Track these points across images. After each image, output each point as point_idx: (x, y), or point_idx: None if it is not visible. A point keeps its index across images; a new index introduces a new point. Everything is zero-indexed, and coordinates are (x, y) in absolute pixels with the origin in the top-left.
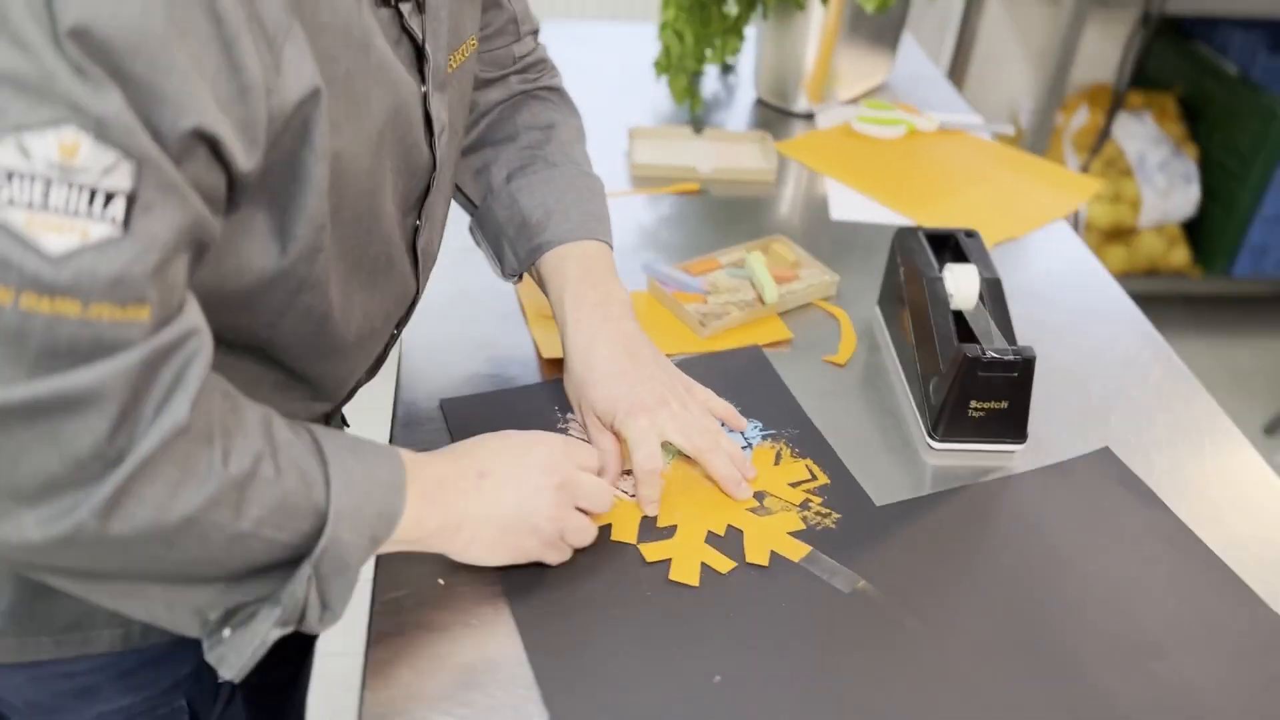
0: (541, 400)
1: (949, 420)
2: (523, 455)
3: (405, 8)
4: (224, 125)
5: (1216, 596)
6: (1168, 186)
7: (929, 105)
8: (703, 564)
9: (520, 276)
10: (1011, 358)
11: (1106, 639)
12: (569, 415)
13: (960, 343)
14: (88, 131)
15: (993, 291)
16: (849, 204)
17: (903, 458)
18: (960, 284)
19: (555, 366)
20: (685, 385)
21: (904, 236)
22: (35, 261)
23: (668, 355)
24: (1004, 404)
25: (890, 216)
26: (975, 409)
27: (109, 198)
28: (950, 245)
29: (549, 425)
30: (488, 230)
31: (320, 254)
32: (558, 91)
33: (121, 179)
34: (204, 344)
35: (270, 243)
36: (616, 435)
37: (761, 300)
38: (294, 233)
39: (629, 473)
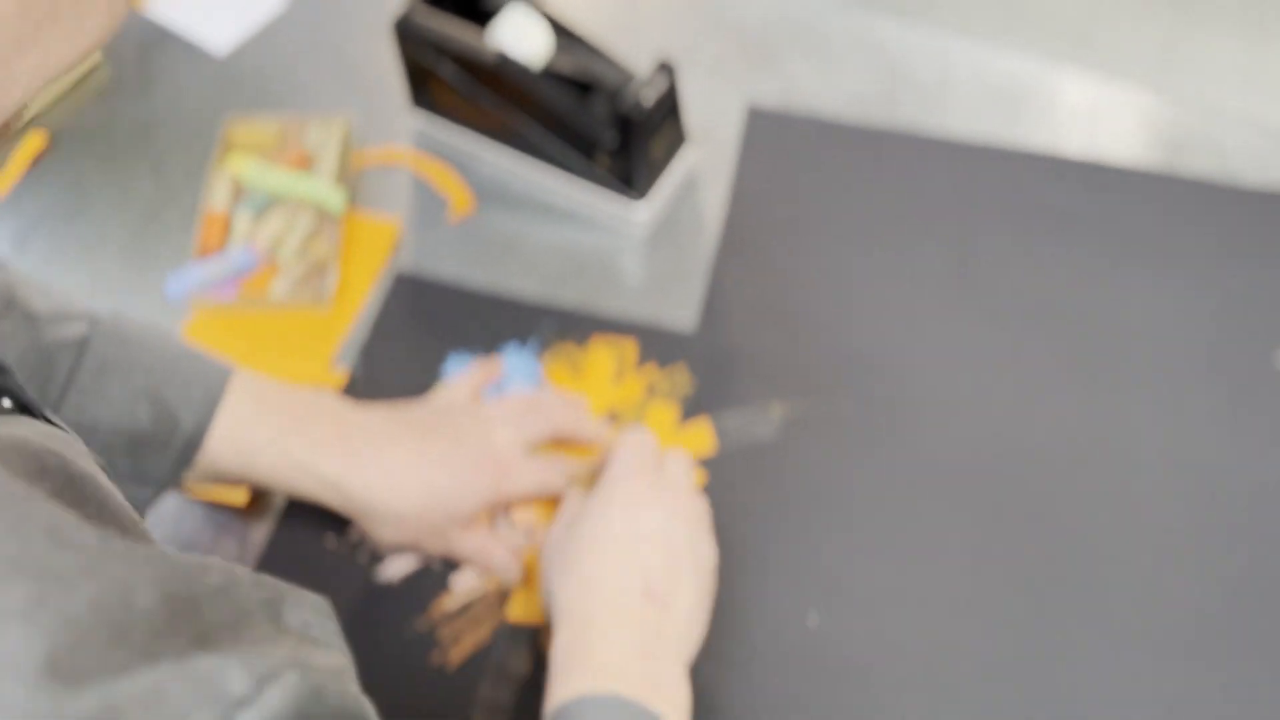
0: None
1: (648, 182)
2: None
3: None
4: None
5: None
6: None
7: None
8: None
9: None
10: (663, 84)
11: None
12: None
13: (589, 100)
14: None
15: (551, 20)
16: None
17: (640, 260)
18: (524, 40)
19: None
20: (453, 404)
21: (407, 22)
22: None
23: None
24: (669, 126)
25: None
26: (657, 151)
27: None
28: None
29: None
30: None
31: None
32: None
33: None
34: None
35: None
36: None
37: (330, 212)
38: None
39: None
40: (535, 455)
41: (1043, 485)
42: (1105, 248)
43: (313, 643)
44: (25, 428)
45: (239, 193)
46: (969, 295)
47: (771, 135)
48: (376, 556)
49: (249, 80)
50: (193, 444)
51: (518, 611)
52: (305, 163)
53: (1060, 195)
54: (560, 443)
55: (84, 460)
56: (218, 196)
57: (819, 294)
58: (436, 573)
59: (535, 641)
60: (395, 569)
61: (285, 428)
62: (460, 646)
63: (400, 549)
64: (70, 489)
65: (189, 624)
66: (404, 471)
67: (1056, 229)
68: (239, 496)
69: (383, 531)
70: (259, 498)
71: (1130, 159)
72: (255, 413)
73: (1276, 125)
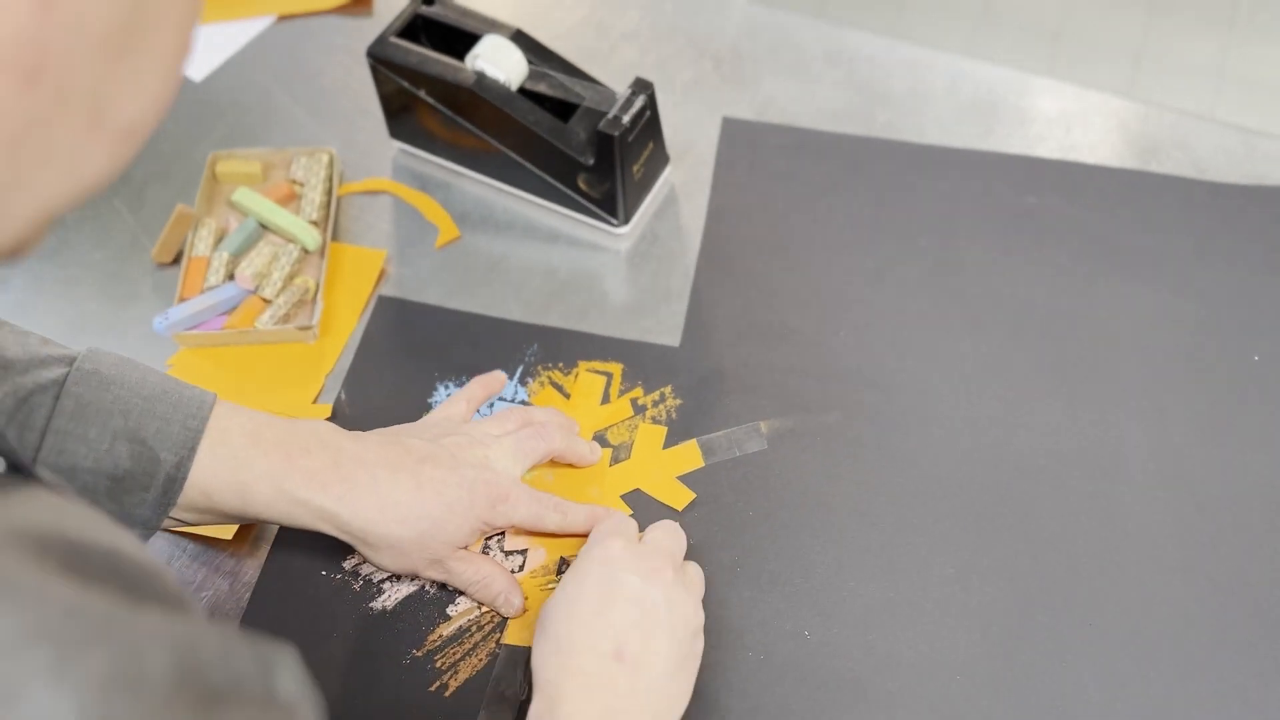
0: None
1: (628, 200)
2: None
3: None
4: None
5: None
6: None
7: None
8: None
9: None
10: (641, 103)
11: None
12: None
13: (566, 121)
14: None
15: (528, 44)
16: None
17: (622, 278)
18: (500, 62)
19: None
20: (450, 421)
21: (382, 50)
22: None
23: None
24: (649, 145)
25: (250, 27)
26: (637, 170)
27: None
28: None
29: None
30: None
31: None
32: None
33: None
34: None
35: None
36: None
37: (306, 249)
38: None
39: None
40: (532, 488)
41: (1029, 491)
42: (1084, 251)
43: (295, 710)
44: (20, 502)
45: (221, 236)
46: (951, 302)
47: (746, 145)
48: (371, 585)
49: (227, 110)
50: (174, 482)
51: (514, 635)
52: (293, 195)
53: (1038, 198)
54: (554, 463)
55: (79, 521)
56: (201, 243)
57: (801, 306)
58: (432, 599)
59: (530, 664)
60: (395, 598)
61: (279, 462)
62: (457, 675)
63: (400, 574)
64: (71, 558)
65: (195, 689)
66: (399, 501)
67: (1035, 233)
68: (226, 532)
69: (381, 558)
70: (247, 533)
71: (1104, 162)
72: (248, 447)
73: (1244, 125)
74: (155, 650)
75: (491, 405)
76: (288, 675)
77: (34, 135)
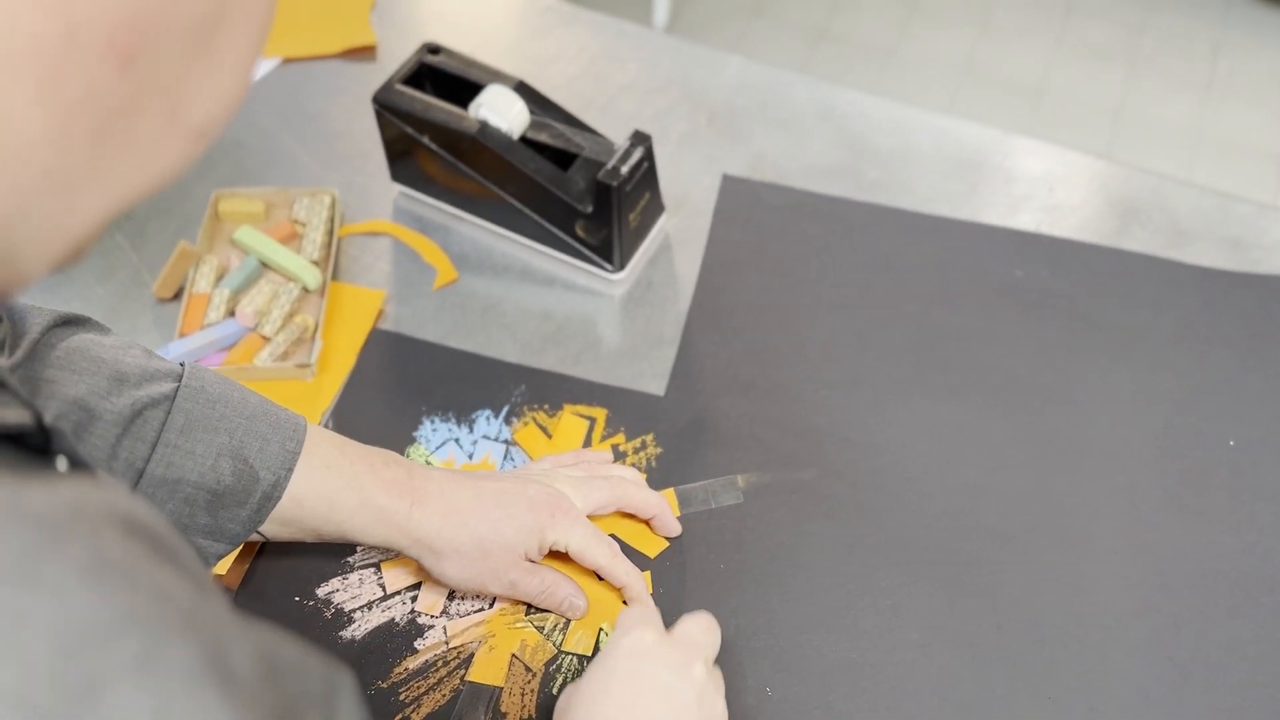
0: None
1: (624, 248)
2: None
3: None
4: None
5: None
6: None
7: None
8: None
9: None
10: (639, 154)
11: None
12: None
13: (566, 170)
14: None
15: (530, 94)
16: None
17: (615, 324)
18: (503, 111)
19: None
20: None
21: (388, 96)
22: None
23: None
24: (646, 195)
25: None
26: (634, 218)
27: None
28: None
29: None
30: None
31: None
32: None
33: None
34: None
35: None
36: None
37: (306, 288)
38: None
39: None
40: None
41: (996, 560)
42: (1066, 325)
43: None
44: (102, 489)
45: (222, 273)
46: (932, 368)
47: (744, 202)
48: (342, 614)
49: (230, 149)
50: (269, 499)
51: (478, 673)
52: (294, 234)
53: (1024, 271)
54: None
55: (155, 514)
56: (203, 279)
57: (785, 363)
58: (401, 631)
59: (493, 702)
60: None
61: (364, 470)
62: (420, 709)
63: (467, 591)
64: (158, 547)
65: (274, 694)
66: (461, 507)
67: (1019, 305)
68: (220, 566)
69: (447, 568)
70: (237, 570)
71: (1086, 223)
72: (336, 458)
73: (1219, 188)
74: (241, 647)
75: (475, 443)
76: (347, 701)
77: (120, 122)
